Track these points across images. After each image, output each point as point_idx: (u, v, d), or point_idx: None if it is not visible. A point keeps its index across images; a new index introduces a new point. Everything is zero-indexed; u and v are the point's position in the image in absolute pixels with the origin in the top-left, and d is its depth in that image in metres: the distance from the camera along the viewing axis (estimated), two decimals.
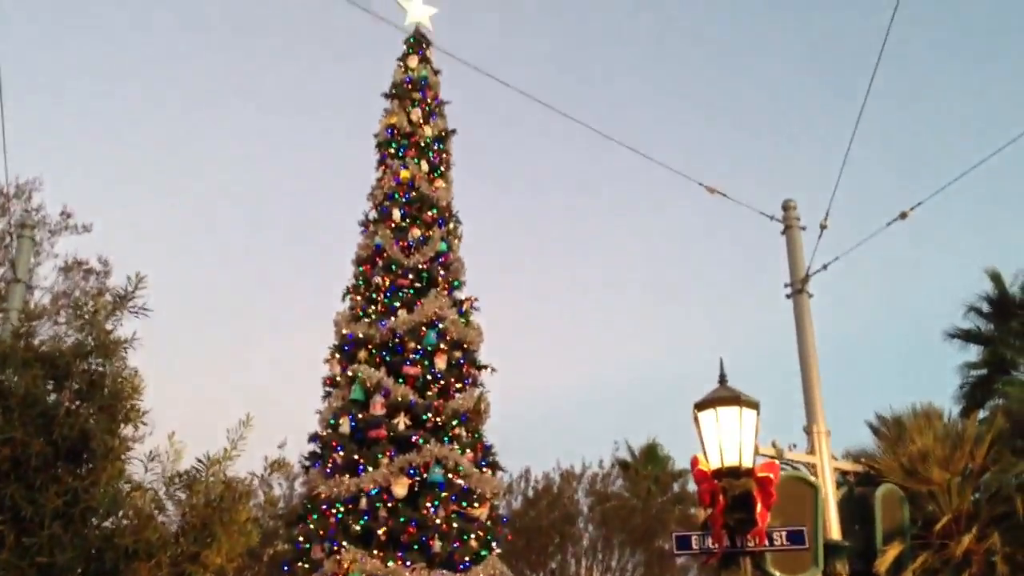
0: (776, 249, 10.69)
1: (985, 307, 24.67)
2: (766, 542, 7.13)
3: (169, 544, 6.64)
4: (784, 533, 7.31)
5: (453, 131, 20.46)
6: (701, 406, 7.37)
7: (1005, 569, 10.93)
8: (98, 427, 6.97)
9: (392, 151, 19.66)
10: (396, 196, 19.13)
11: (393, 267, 18.45)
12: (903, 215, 9.56)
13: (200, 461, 7.02)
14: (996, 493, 12.04)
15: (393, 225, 18.84)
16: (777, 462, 9.00)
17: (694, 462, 7.33)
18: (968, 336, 24.54)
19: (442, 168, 19.83)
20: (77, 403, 7.48)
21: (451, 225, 19.34)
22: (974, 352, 24.62)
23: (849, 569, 10.07)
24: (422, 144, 19.69)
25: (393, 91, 20.42)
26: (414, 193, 19.09)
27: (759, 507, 6.94)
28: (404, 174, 19.19)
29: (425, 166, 19.44)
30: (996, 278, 24.59)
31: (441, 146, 20.08)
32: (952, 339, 24.62)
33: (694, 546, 7.36)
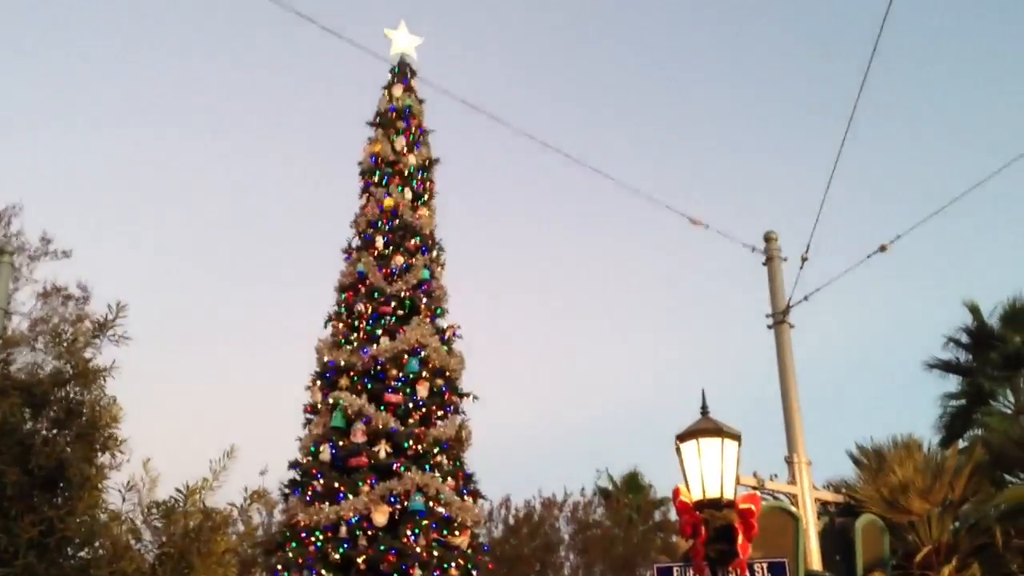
0: (758, 280, 10.76)
1: (964, 338, 24.87)
2: (747, 574, 7.13)
3: (146, 574, 6.57)
4: (765, 565, 7.33)
5: (437, 160, 20.52)
6: (683, 437, 7.38)
7: None
8: (75, 456, 6.90)
9: (376, 179, 19.70)
10: (379, 224, 19.15)
11: (375, 294, 18.43)
12: (883, 247, 9.65)
13: (179, 491, 6.96)
14: (975, 524, 12.10)
15: (376, 253, 18.85)
16: (758, 493, 9.02)
17: (676, 493, 7.34)
18: (947, 367, 24.71)
19: (425, 196, 19.86)
20: (54, 432, 7.40)
21: (434, 253, 19.36)
22: (954, 383, 24.80)
23: None
24: (406, 172, 19.74)
25: (377, 119, 20.50)
26: (397, 221, 19.12)
27: (740, 539, 6.94)
28: (388, 202, 19.23)
29: (409, 194, 19.48)
30: (975, 310, 24.81)
31: (425, 174, 20.13)
32: (932, 369, 24.79)
33: None
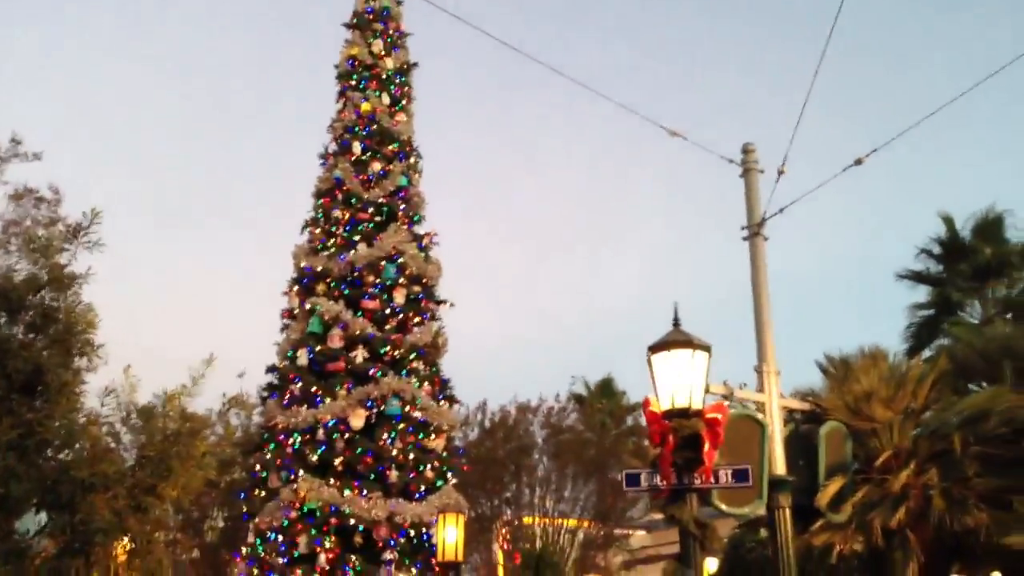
0: (734, 193, 10.78)
1: (936, 249, 25.16)
2: (712, 480, 7.35)
3: (125, 476, 6.70)
4: (729, 471, 7.54)
5: (415, 64, 20.17)
6: (654, 349, 7.50)
7: (941, 503, 11.32)
8: (52, 360, 6.96)
9: (353, 83, 19.37)
10: (356, 129, 18.92)
11: (353, 200, 18.34)
12: (858, 161, 9.67)
13: (157, 396, 7.06)
14: (936, 431, 12.42)
15: (353, 158, 18.66)
16: (726, 403, 9.21)
17: (646, 403, 7.49)
18: (918, 278, 25.04)
19: (403, 101, 19.59)
20: (31, 336, 7.44)
21: (412, 159, 19.19)
22: (923, 293, 25.18)
23: (792, 502, 10.38)
24: (383, 76, 19.42)
25: (354, 21, 20.03)
26: (374, 126, 18.89)
27: (707, 447, 7.13)
28: (365, 107, 18.95)
29: (386, 99, 19.19)
30: (948, 222, 25.05)
31: (403, 79, 19.80)
32: (902, 280, 25.12)
33: (643, 483, 7.56)
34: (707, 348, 7.51)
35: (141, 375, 7.73)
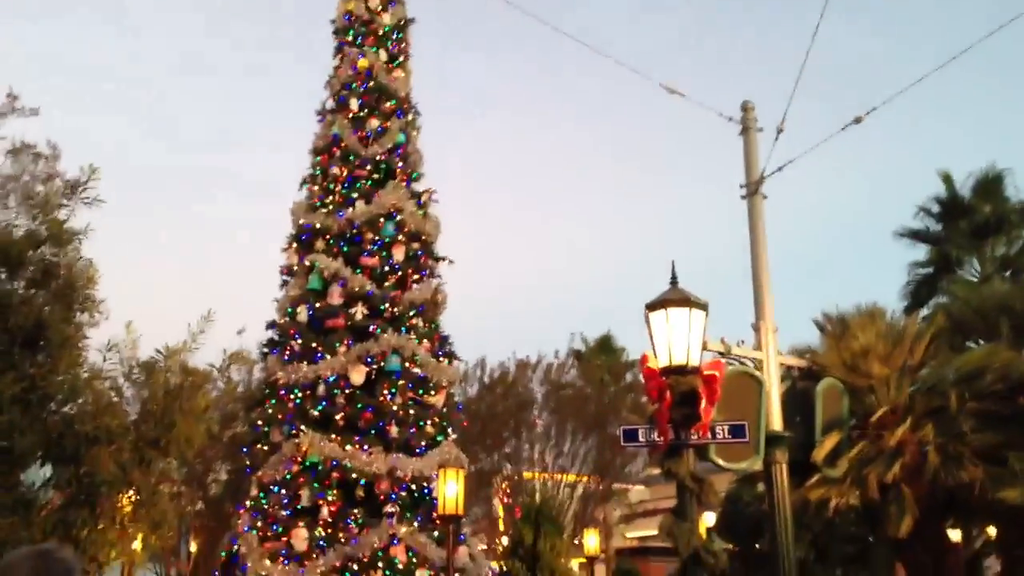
0: (733, 151, 10.74)
1: (935, 208, 25.12)
2: (709, 435, 7.44)
3: (129, 430, 6.78)
4: (726, 427, 7.63)
5: (412, 20, 19.96)
6: (652, 307, 7.55)
7: (936, 458, 11.43)
8: (53, 316, 7.00)
9: (350, 39, 19.19)
10: (354, 85, 18.78)
11: (351, 157, 18.25)
12: (858, 119, 9.61)
13: (159, 352, 7.11)
14: (932, 388, 12.51)
15: (351, 115, 18.55)
16: (723, 360, 9.27)
17: (643, 360, 7.56)
18: (917, 236, 25.03)
19: (401, 58, 19.42)
20: (32, 292, 7.48)
21: (410, 116, 19.07)
22: (922, 252, 25.18)
23: (789, 458, 10.48)
24: (380, 32, 19.23)
25: None
26: (372, 83, 18.74)
27: (703, 403, 7.22)
28: (362, 63, 18.80)
29: (384, 55, 19.02)
30: (948, 180, 24.96)
31: (400, 35, 19.60)
32: (901, 238, 25.12)
33: (641, 439, 7.65)
34: (704, 306, 7.57)
35: (142, 331, 7.79)
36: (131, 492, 6.71)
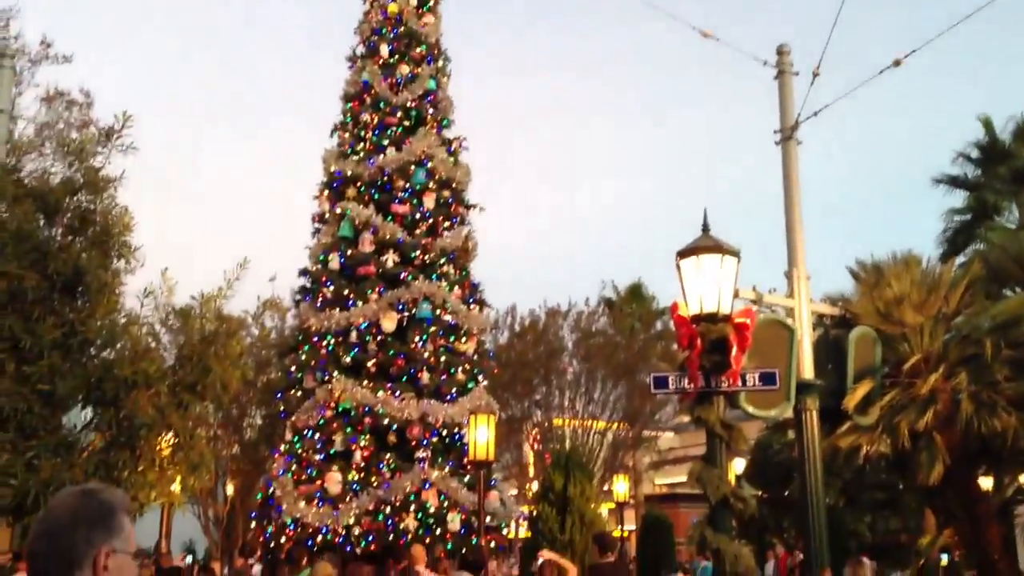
0: (767, 97, 10.59)
1: (974, 153, 24.60)
2: (739, 383, 7.42)
3: (166, 375, 6.90)
4: (757, 374, 7.59)
5: None
6: (683, 254, 7.50)
7: (969, 406, 11.32)
8: (91, 262, 7.10)
9: None
10: (384, 31, 18.66)
11: (381, 104, 18.20)
12: (896, 63, 9.43)
13: (194, 298, 7.19)
14: (967, 336, 12.36)
15: (381, 61, 18.46)
16: (754, 308, 9.24)
17: (674, 308, 7.52)
18: (955, 182, 24.56)
19: (430, 3, 19.22)
20: (69, 238, 7.59)
21: (440, 63, 18.94)
22: (960, 198, 24.73)
23: (820, 405, 10.48)
24: None
25: None
26: (402, 28, 18.61)
27: (734, 351, 7.18)
28: (392, 7, 18.65)
29: (413, 0, 18.85)
30: (987, 124, 24.41)
31: None
32: (939, 185, 24.66)
33: (671, 386, 7.64)
34: (736, 253, 7.51)
35: (178, 278, 7.89)
36: (169, 435, 6.86)
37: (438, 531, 15.26)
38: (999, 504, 13.47)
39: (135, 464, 6.70)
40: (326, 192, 18.32)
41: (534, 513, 11.66)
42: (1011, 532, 13.82)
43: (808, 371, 10.44)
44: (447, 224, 18.04)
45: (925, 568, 16.57)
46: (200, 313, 7.24)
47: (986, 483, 13.99)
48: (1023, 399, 11.52)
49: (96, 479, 6.54)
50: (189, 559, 16.34)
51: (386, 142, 17.95)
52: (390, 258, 17.25)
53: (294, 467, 16.23)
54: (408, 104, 18.15)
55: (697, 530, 7.42)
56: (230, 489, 23.48)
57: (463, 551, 14.30)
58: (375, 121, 18.15)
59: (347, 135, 18.43)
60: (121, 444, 6.77)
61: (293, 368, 17.50)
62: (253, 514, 17.01)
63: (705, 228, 7.61)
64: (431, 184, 17.84)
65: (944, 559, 16.39)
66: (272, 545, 15.55)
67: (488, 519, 15.36)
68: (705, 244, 7.44)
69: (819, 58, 9.58)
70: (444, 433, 16.36)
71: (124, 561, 1.86)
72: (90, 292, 7.17)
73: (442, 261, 17.58)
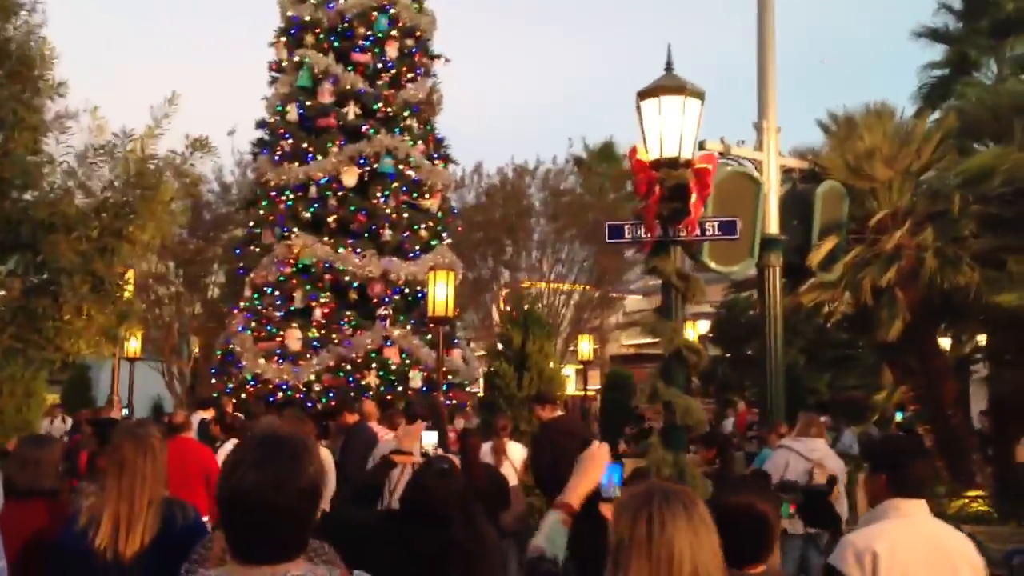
0: None
1: (957, 4, 23.74)
2: (698, 232, 7.12)
3: (89, 219, 6.48)
4: (716, 223, 7.30)
5: None
6: (644, 95, 7.06)
7: (933, 262, 11.16)
8: (6, 95, 6.57)
9: None
10: None
11: None
12: None
13: (116, 135, 6.70)
14: (936, 191, 12.13)
15: None
16: (717, 154, 8.88)
17: (632, 152, 7.14)
18: (935, 35, 23.76)
19: None
20: None
21: None
22: (939, 52, 24.02)
23: (784, 261, 10.29)
24: None
25: None
26: None
27: (694, 198, 6.85)
28: None
29: None
30: None
31: None
32: (919, 38, 23.89)
33: (627, 234, 7.36)
34: (700, 95, 7.08)
35: (112, 120, 7.37)
36: (93, 281, 6.51)
37: (399, 388, 15.24)
38: (956, 361, 13.53)
39: (58, 312, 6.38)
40: (283, 39, 17.48)
41: (491, 369, 11.54)
42: (966, 389, 13.93)
43: (774, 227, 10.19)
44: (411, 75, 17.34)
45: (880, 423, 16.87)
46: (123, 152, 6.77)
47: (945, 343, 14.04)
48: (988, 255, 11.40)
49: (15, 327, 6.25)
50: (126, 411, 16.34)
51: None
52: (351, 110, 16.62)
53: (254, 324, 16.03)
54: None
55: (649, 383, 7.27)
56: (196, 348, 23.39)
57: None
58: None
59: None
60: (40, 290, 6.43)
61: (251, 223, 17.10)
62: (213, 371, 16.90)
63: (668, 67, 7.14)
64: (394, 32, 17.06)
65: (899, 416, 16.66)
66: (234, 401, 15.47)
67: (450, 377, 15.34)
68: (667, 84, 7.00)
69: None
70: (406, 291, 16.15)
71: None
72: (5, 127, 6.65)
73: (405, 114, 16.97)
